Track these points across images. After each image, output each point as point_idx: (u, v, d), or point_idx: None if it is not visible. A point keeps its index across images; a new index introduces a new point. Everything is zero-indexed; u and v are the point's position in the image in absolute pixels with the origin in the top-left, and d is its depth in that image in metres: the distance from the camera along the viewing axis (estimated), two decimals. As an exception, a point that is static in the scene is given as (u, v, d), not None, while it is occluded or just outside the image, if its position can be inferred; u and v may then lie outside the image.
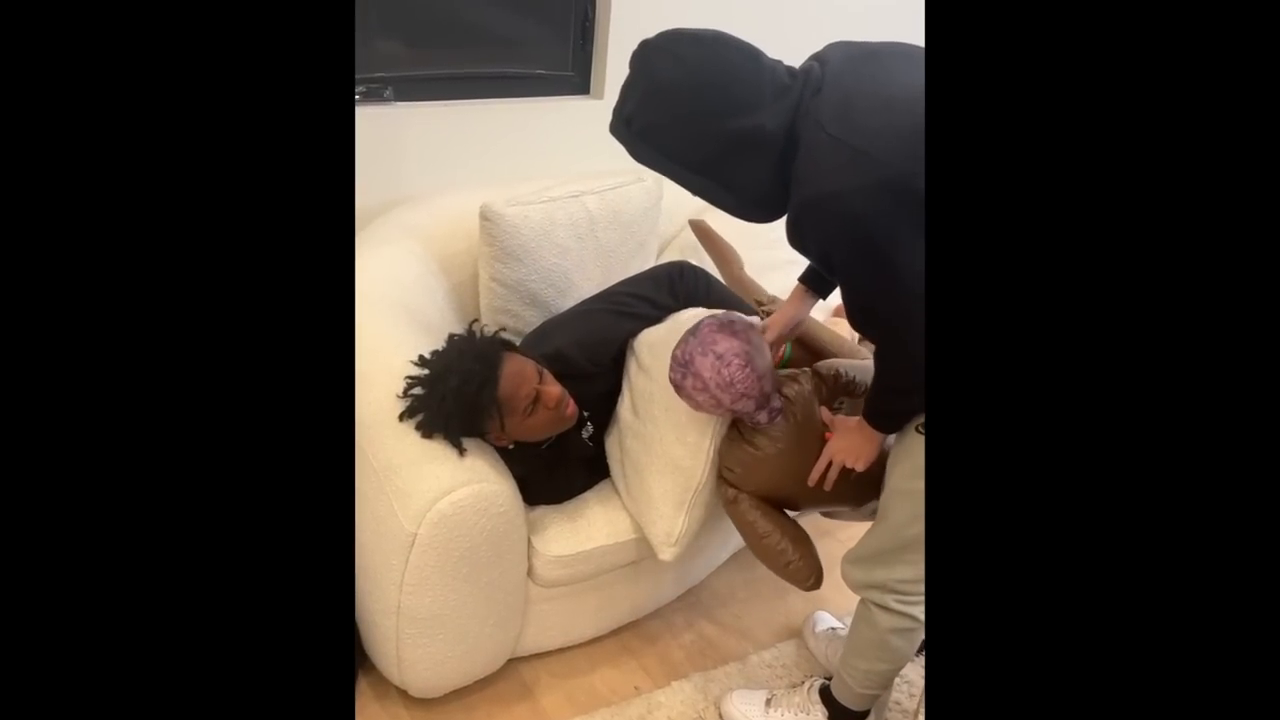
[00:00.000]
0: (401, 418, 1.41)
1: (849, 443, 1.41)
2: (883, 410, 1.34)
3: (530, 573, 1.55)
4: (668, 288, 1.67)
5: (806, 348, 1.69)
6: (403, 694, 1.58)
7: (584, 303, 1.73)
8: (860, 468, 1.41)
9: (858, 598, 1.45)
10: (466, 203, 1.88)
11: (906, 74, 1.11)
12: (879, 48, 1.18)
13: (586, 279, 1.89)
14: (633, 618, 1.81)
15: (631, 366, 1.63)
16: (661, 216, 2.08)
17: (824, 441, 1.46)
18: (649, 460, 1.55)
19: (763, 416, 1.45)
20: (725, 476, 1.52)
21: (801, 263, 2.43)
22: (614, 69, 2.25)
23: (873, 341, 1.28)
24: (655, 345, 1.57)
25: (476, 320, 1.55)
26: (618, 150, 2.51)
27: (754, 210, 1.19)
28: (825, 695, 1.55)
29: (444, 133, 2.06)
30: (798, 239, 1.17)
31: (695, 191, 1.20)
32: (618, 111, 1.18)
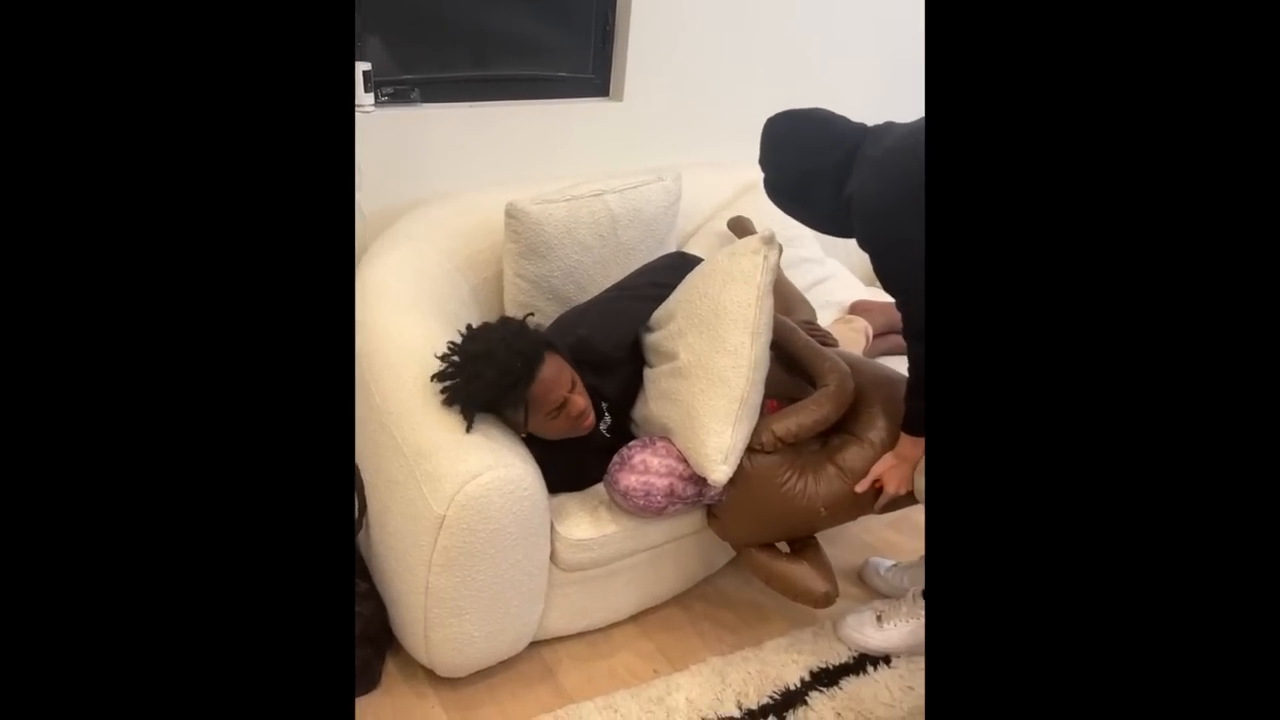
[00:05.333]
0: (434, 378, 1.49)
1: (897, 468, 1.62)
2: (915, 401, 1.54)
3: (553, 556, 1.60)
4: (678, 273, 1.75)
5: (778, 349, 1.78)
6: (429, 673, 1.64)
7: (603, 293, 1.79)
8: (892, 489, 1.63)
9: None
10: (491, 201, 1.94)
11: None
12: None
13: (607, 276, 1.95)
14: (652, 603, 1.86)
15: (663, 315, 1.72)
16: (680, 215, 2.14)
17: (774, 495, 1.64)
18: (690, 385, 1.57)
19: (700, 501, 1.66)
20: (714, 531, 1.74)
21: (815, 262, 2.50)
22: (633, 72, 2.31)
23: (895, 296, 1.54)
24: (687, 284, 1.69)
25: (531, 314, 1.62)
26: (636, 150, 2.58)
27: (828, 225, 1.63)
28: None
29: (468, 133, 2.12)
30: (854, 231, 1.55)
31: (797, 217, 1.70)
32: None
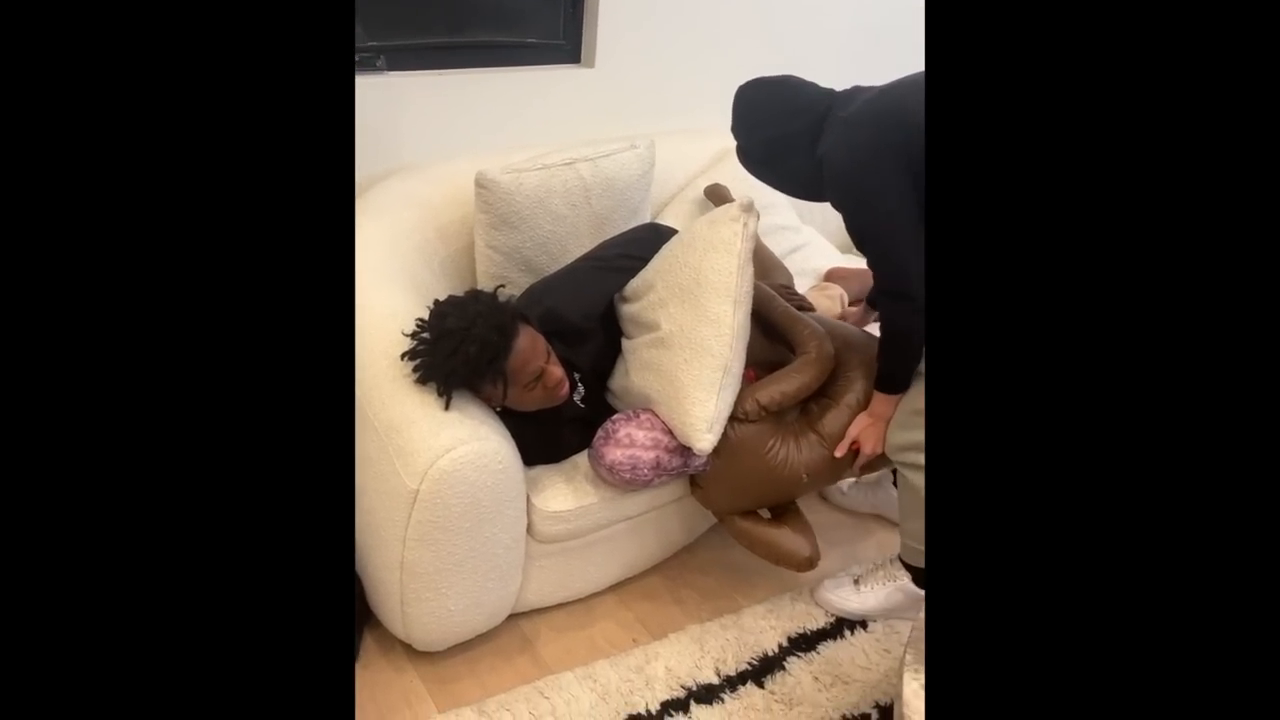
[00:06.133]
0: (404, 356, 1.46)
1: (873, 427, 1.64)
2: (888, 355, 1.60)
3: (529, 529, 1.60)
4: (651, 246, 1.74)
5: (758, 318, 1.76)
6: (407, 648, 1.64)
7: (571, 264, 1.78)
8: (869, 449, 1.64)
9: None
10: (461, 171, 1.91)
11: (906, 85, 1.50)
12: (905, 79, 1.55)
13: (580, 245, 1.93)
14: (630, 573, 1.86)
15: (640, 285, 1.71)
16: (654, 183, 2.11)
17: (759, 463, 1.65)
18: (673, 355, 1.57)
19: (685, 471, 1.65)
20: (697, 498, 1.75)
21: (791, 230, 2.49)
22: (605, 38, 2.27)
23: (866, 254, 1.55)
24: (666, 253, 1.68)
25: (503, 286, 1.60)
26: (609, 118, 2.54)
27: (801, 189, 1.65)
28: (904, 561, 1.72)
29: (437, 102, 2.08)
30: (827, 192, 1.56)
31: (770, 183, 1.70)
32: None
